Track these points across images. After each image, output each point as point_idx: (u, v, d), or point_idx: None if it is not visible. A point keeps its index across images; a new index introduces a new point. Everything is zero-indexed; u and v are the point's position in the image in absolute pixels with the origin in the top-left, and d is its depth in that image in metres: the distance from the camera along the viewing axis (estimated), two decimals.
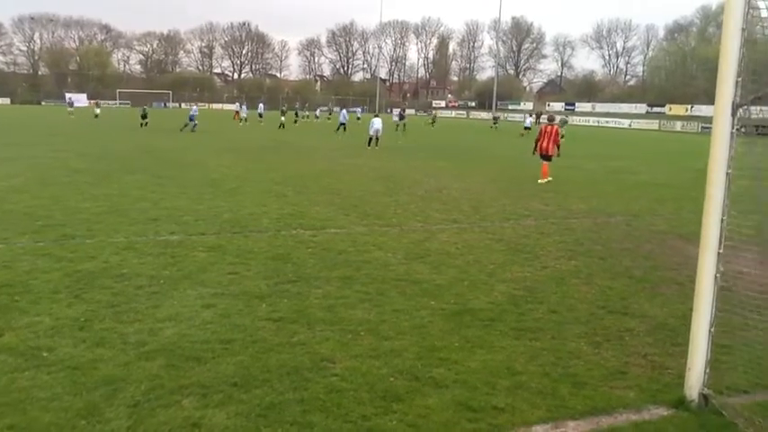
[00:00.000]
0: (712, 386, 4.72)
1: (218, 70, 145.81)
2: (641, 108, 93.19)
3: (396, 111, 62.57)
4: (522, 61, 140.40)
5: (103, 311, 6.24)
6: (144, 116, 43.31)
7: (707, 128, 73.87)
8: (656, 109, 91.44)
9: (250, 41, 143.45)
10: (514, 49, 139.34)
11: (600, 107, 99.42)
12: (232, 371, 4.96)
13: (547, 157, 18.59)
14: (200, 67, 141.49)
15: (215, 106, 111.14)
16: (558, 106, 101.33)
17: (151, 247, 8.91)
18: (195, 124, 39.53)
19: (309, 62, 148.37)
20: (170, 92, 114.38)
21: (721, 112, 4.55)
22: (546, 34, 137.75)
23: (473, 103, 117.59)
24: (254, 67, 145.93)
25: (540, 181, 18.24)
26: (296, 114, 61.31)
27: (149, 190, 14.35)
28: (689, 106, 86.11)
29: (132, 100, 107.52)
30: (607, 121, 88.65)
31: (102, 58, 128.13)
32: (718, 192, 4.59)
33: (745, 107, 4.47)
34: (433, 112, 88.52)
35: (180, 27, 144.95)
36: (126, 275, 7.51)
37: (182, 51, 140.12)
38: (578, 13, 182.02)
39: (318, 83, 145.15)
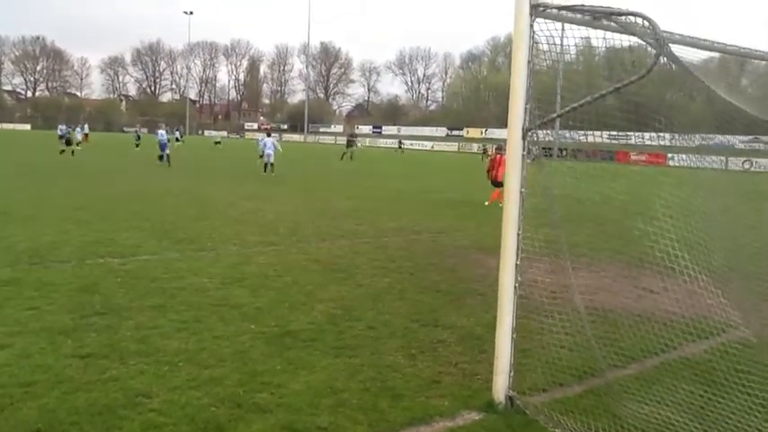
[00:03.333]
0: (516, 388, 5.14)
1: (8, 87, 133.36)
2: (442, 131, 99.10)
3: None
4: (332, 85, 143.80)
5: None
6: None
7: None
8: (455, 132, 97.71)
9: (45, 57, 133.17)
10: (324, 73, 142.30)
11: (405, 130, 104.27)
12: (35, 416, 4.54)
13: (499, 184, 19.25)
14: None
15: (4, 126, 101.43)
16: (366, 129, 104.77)
17: None
18: None
19: (113, 81, 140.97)
20: None
21: (513, 137, 5.01)
22: (353, 60, 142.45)
23: (285, 126, 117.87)
24: (50, 84, 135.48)
25: (486, 203, 19.64)
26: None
27: None
28: (484, 129, 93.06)
29: None
30: (411, 144, 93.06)
31: None
32: (514, 209, 5.05)
33: (533, 131, 4.97)
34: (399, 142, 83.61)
35: None
36: None
37: None
38: (383, 41, 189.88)
39: (123, 102, 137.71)
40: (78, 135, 49.11)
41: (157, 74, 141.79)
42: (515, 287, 5.09)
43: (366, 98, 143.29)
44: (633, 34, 4.59)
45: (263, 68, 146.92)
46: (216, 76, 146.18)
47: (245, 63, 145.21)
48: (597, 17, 4.80)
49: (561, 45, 4.93)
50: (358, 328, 6.96)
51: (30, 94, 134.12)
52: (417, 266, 10.30)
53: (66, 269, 9.07)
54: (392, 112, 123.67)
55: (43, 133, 74.40)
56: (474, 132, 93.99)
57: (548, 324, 5.26)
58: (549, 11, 4.88)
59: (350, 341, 6.55)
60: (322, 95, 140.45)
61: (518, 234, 5.06)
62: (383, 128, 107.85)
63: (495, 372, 5.20)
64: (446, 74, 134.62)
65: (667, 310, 5.40)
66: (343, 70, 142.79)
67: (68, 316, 6.92)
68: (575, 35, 4.97)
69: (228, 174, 29.39)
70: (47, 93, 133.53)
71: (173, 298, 7.80)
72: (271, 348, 6.24)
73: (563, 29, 4.96)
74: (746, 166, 45.14)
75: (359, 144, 52.82)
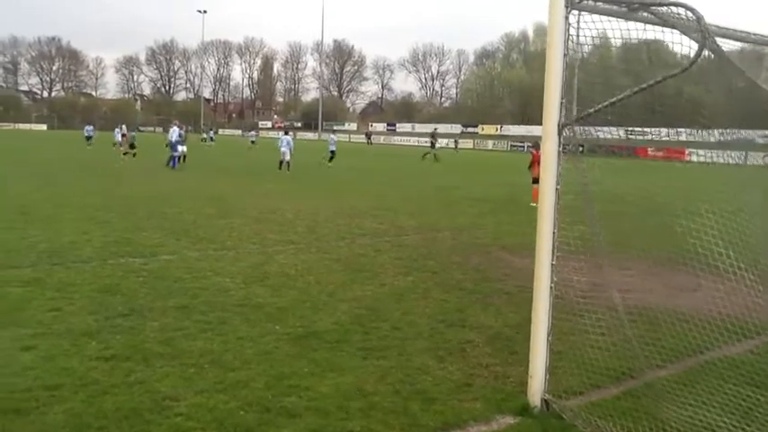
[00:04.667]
0: (552, 391, 4.99)
1: (24, 88, 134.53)
2: (456, 128, 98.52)
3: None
4: (345, 83, 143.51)
5: None
6: None
7: (516, 146, 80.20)
8: (469, 129, 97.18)
9: (61, 58, 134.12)
10: (337, 71, 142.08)
11: (419, 127, 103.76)
12: (62, 421, 4.46)
13: (536, 181, 18.89)
14: (3, 84, 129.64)
15: (21, 126, 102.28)
16: (380, 127, 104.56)
17: None
18: None
19: (128, 80, 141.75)
20: None
21: (548, 132, 4.86)
22: (366, 57, 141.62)
23: (299, 124, 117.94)
24: (66, 84, 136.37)
25: (532, 204, 18.52)
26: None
27: None
28: (498, 126, 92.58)
29: None
30: (426, 141, 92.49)
31: None
32: (549, 206, 4.89)
33: (570, 127, 4.81)
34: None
35: None
36: None
37: None
38: (396, 38, 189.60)
39: (138, 102, 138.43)
40: (117, 136, 48.46)
41: (171, 73, 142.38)
42: (551, 287, 4.94)
43: (380, 95, 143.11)
44: (673, 27, 4.43)
45: (276, 66, 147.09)
46: (230, 75, 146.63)
47: (258, 61, 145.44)
48: (635, 8, 4.65)
49: (591, 38, 4.77)
50: (384, 329, 6.84)
51: (46, 94, 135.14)
52: (440, 265, 10.16)
53: (88, 269, 9.01)
54: (406, 110, 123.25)
55: (61, 133, 74.83)
56: (489, 129, 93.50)
57: (582, 324, 5.11)
58: (584, 2, 4.73)
59: (376, 342, 6.42)
60: (336, 93, 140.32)
61: (554, 233, 4.90)
62: (397, 125, 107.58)
63: (530, 375, 5.05)
64: (460, 70, 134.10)
65: (710, 308, 5.21)
66: (356, 68, 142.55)
67: (91, 317, 6.85)
68: (613, 27, 4.79)
69: (244, 172, 29.34)
70: (62, 93, 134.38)
71: (195, 298, 7.72)
72: (296, 349, 6.12)
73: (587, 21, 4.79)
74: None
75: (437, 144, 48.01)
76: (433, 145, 47.24)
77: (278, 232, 12.66)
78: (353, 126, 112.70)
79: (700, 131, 5.06)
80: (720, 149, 5.03)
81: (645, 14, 4.69)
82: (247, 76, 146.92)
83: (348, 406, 4.90)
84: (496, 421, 4.78)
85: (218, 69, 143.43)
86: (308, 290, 8.35)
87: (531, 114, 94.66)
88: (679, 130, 4.98)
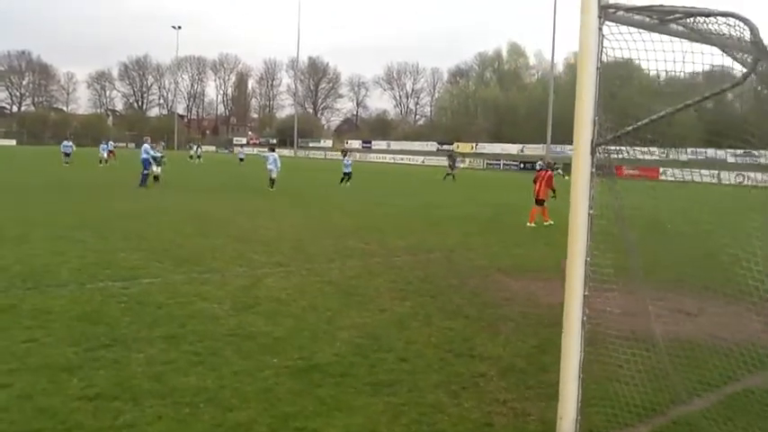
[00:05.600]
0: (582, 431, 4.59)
1: None
2: (432, 146, 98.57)
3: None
4: (320, 100, 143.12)
5: None
6: None
7: (491, 164, 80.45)
8: (445, 146, 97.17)
9: (31, 72, 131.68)
10: (312, 88, 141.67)
11: (394, 145, 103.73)
12: None
13: (539, 201, 18.66)
14: None
15: None
16: (356, 144, 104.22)
17: None
18: None
19: (100, 96, 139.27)
20: None
21: (581, 152, 4.48)
22: (341, 74, 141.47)
23: (274, 140, 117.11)
24: (36, 99, 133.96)
25: (528, 224, 18.33)
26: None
27: None
28: (474, 144, 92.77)
29: None
30: (402, 158, 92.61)
31: None
32: (582, 233, 4.50)
33: (604, 146, 4.46)
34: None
35: None
36: None
37: None
38: (370, 56, 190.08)
39: (111, 117, 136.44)
40: (103, 152, 47.39)
41: (145, 88, 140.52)
42: (583, 321, 4.54)
43: (355, 113, 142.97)
44: (713, 44, 4.13)
45: (251, 83, 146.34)
46: (204, 91, 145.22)
47: (233, 78, 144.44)
48: (674, 19, 4.33)
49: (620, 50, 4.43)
50: (389, 361, 6.40)
51: (15, 108, 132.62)
52: (437, 289, 9.74)
53: (65, 294, 8.44)
54: (381, 127, 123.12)
55: (31, 149, 73.33)
56: (464, 147, 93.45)
57: (616, 359, 4.72)
58: (619, 13, 4.40)
59: (384, 376, 5.98)
60: (311, 110, 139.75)
61: (586, 261, 4.51)
62: (372, 143, 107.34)
63: (559, 415, 4.65)
64: (434, 88, 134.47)
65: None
66: (331, 85, 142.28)
67: (71, 349, 6.30)
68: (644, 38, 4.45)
69: (222, 190, 28.69)
70: (33, 108, 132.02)
71: (183, 327, 7.19)
72: (298, 385, 5.66)
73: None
74: None
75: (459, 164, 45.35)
76: (452, 167, 45.77)
77: (264, 253, 12.14)
78: (329, 143, 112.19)
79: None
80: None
81: (680, 29, 4.40)
82: (222, 92, 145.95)
83: None
84: None
85: (192, 85, 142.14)
86: (303, 317, 7.87)
87: (506, 132, 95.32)
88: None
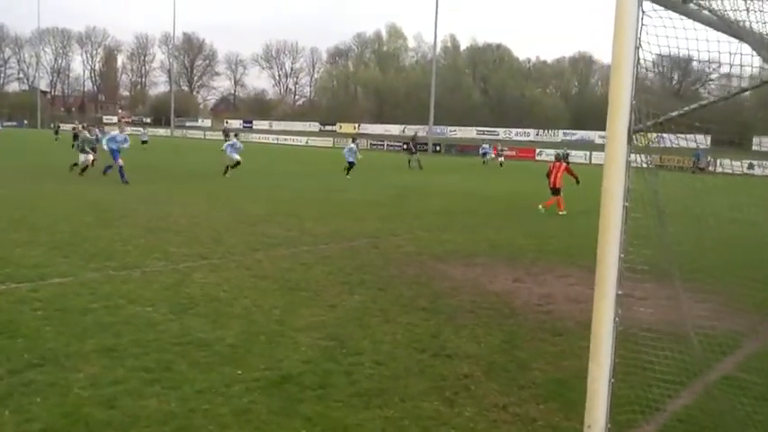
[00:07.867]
0: None
1: None
2: (315, 126, 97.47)
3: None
4: (196, 78, 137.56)
5: None
6: None
7: (375, 144, 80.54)
8: (328, 127, 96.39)
9: None
10: (187, 65, 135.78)
11: (276, 125, 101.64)
12: None
13: (556, 191, 18.93)
14: None
15: None
16: (236, 123, 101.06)
17: None
18: None
19: None
20: None
21: (616, 139, 4.08)
22: (218, 52, 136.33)
23: (149, 119, 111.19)
24: None
25: (540, 207, 18.61)
26: None
27: None
28: (356, 125, 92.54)
29: None
30: (285, 139, 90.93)
31: None
32: (615, 227, 4.12)
33: (642, 133, 4.08)
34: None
35: None
36: None
37: None
38: (248, 34, 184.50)
39: None
40: None
41: (2, 62, 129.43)
42: (615, 322, 4.18)
43: (232, 92, 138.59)
44: (741, 39, 3.86)
45: (121, 58, 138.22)
46: (69, 66, 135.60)
47: (101, 52, 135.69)
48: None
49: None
50: (366, 365, 5.83)
51: None
52: (381, 280, 9.20)
53: None
54: (260, 107, 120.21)
55: None
56: (347, 127, 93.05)
57: (649, 363, 4.41)
58: None
59: (366, 384, 5.41)
60: (186, 88, 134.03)
61: (620, 257, 4.13)
62: (254, 122, 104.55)
63: (586, 424, 4.25)
64: (314, 68, 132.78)
65: None
66: (207, 62, 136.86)
67: None
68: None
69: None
70: None
71: (119, 337, 6.24)
72: (276, 402, 4.97)
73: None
74: None
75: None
76: (413, 151, 39.81)
77: (180, 244, 11.08)
78: (208, 122, 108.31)
79: None
80: None
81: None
82: (89, 67, 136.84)
83: None
84: None
85: (56, 59, 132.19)
86: (250, 317, 7.10)
87: (388, 113, 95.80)
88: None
